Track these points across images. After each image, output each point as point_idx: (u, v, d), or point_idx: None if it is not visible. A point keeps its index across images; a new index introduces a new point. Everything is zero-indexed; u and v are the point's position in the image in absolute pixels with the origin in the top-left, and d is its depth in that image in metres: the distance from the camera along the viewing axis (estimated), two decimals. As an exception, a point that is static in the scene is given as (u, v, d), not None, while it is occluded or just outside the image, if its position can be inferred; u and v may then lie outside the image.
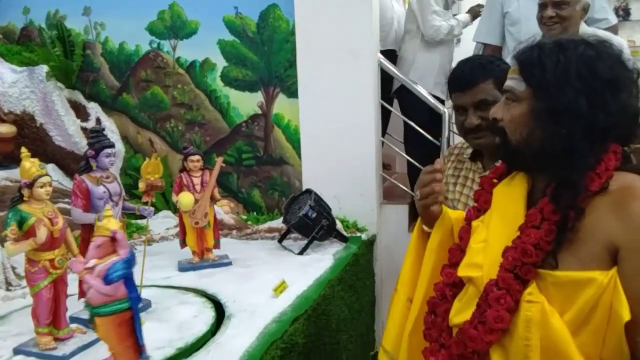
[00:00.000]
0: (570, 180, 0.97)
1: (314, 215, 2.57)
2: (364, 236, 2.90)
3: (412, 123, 3.27)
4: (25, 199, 1.54)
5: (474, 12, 3.51)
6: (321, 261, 2.46)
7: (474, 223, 1.16)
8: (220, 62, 3.27)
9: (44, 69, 3.10)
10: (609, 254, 0.91)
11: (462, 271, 1.12)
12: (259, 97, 3.26)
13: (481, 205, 1.17)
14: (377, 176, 3.05)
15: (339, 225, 2.80)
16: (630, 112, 0.98)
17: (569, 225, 0.95)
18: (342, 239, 2.74)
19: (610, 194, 0.95)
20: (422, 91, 3.16)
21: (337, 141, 2.99)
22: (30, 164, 1.55)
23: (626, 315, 0.88)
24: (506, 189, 1.12)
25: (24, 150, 1.59)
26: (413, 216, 3.33)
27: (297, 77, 3.04)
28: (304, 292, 2.06)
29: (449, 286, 1.16)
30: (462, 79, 1.57)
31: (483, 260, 1.05)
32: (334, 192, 2.95)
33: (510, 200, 1.08)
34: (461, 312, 1.10)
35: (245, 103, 3.29)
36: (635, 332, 0.89)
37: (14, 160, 2.92)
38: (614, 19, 3.02)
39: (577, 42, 0.99)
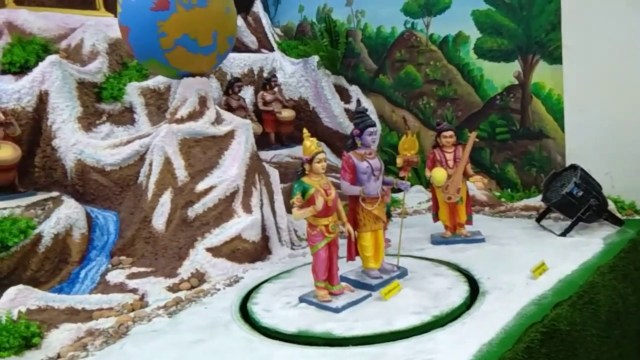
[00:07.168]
0: None
1: (580, 193, 2.32)
2: (644, 220, 2.49)
3: None
4: (306, 172, 1.83)
5: None
6: (588, 245, 2.22)
7: None
8: (474, 34, 3.20)
9: (315, 59, 3.56)
10: None
11: None
12: (515, 66, 3.08)
13: None
14: (665, 150, 2.56)
15: (611, 206, 2.47)
16: None
17: None
18: (616, 221, 2.41)
19: None
20: None
21: (609, 110, 2.61)
22: (310, 143, 1.83)
23: None
24: None
25: (305, 131, 1.86)
26: None
27: (561, 40, 2.75)
28: (567, 277, 1.91)
29: None
30: None
31: None
32: (605, 168, 2.60)
33: None
34: None
35: (499, 74, 3.15)
36: None
37: (293, 140, 3.47)
38: None
39: None
